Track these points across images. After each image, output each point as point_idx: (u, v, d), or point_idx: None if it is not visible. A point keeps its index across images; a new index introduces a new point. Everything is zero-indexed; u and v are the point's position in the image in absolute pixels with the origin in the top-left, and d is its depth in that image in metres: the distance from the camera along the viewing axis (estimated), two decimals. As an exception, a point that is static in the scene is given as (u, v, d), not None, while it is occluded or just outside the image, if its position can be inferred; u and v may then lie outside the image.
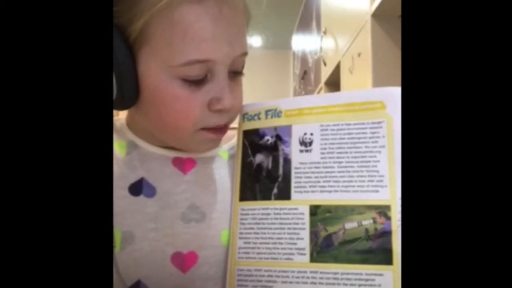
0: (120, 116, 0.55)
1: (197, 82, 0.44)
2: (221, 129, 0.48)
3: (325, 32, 1.88)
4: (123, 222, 0.46)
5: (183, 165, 0.50)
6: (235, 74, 0.47)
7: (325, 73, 1.90)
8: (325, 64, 1.91)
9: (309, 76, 2.45)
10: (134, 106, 0.47)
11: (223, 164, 0.52)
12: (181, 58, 0.42)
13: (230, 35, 0.44)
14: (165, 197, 0.48)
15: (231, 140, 0.54)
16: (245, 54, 0.46)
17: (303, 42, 2.72)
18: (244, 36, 0.46)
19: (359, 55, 1.30)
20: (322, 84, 1.99)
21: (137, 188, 0.48)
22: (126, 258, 0.45)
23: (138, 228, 0.46)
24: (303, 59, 2.70)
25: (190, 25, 0.42)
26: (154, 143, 0.51)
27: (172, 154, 0.51)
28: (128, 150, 0.50)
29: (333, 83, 1.84)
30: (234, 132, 0.54)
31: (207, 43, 0.42)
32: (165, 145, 0.51)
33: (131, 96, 0.45)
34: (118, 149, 0.50)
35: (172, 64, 0.42)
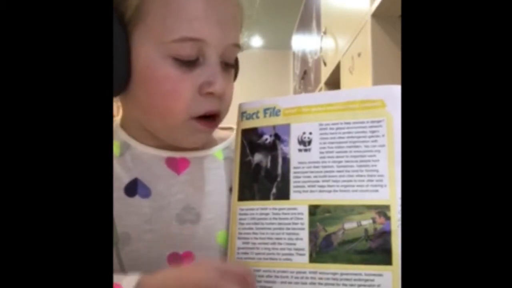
0: (115, 118, 0.55)
1: (188, 64, 0.45)
2: (211, 121, 0.48)
3: (325, 32, 1.88)
4: (119, 224, 0.46)
5: (176, 165, 0.50)
6: (227, 66, 0.48)
7: (325, 73, 1.90)
8: (325, 64, 1.91)
9: (309, 76, 2.45)
10: (124, 93, 0.47)
11: (217, 164, 0.52)
12: (173, 35, 0.43)
13: (222, 19, 0.45)
14: (160, 198, 0.48)
15: (226, 140, 0.54)
16: (237, 45, 0.48)
17: (303, 42, 2.71)
18: (236, 27, 0.48)
19: (359, 55, 1.30)
20: (322, 84, 1.99)
21: (132, 189, 0.48)
22: (115, 260, 0.45)
23: (134, 229, 0.46)
24: (303, 59, 2.70)
25: (184, 3, 0.43)
26: (147, 143, 0.50)
27: (165, 154, 0.50)
28: (122, 151, 0.50)
29: (333, 83, 1.84)
30: (229, 133, 0.54)
31: (200, 22, 0.44)
32: (158, 145, 0.50)
33: (122, 78, 0.45)
34: (113, 150, 0.50)
35: (165, 41, 0.44)
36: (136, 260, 0.46)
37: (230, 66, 0.48)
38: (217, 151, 0.53)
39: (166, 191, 0.49)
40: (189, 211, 0.48)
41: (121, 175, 0.48)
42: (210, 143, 0.53)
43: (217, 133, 0.55)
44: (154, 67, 0.44)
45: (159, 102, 0.45)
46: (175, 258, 0.46)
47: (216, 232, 0.48)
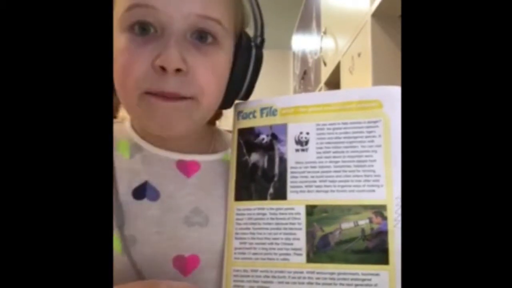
0: (125, 119, 0.54)
1: (144, 37, 0.42)
2: (169, 96, 0.43)
3: (325, 32, 1.88)
4: (126, 227, 0.45)
5: (186, 168, 0.50)
6: (205, 43, 0.44)
7: (325, 73, 1.90)
8: (325, 64, 1.91)
9: (309, 76, 2.45)
10: None
11: (227, 168, 0.51)
12: (124, 5, 0.42)
13: None
14: (169, 200, 0.48)
15: None
16: (208, 17, 0.43)
17: (303, 42, 2.71)
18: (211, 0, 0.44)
19: (359, 55, 1.30)
20: (322, 84, 1.98)
21: (141, 192, 0.47)
22: (127, 261, 0.45)
23: (141, 232, 0.46)
24: (303, 59, 2.69)
25: None
26: (158, 145, 0.50)
27: (176, 156, 0.50)
28: (132, 153, 0.50)
29: (333, 83, 1.84)
30: None
31: None
32: (169, 148, 0.50)
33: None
34: (123, 151, 0.50)
35: (119, 15, 0.43)
36: (141, 261, 0.45)
37: (209, 44, 0.44)
38: (227, 155, 0.52)
39: (175, 193, 0.48)
40: (198, 214, 0.48)
41: (130, 178, 0.48)
42: (220, 147, 0.53)
43: (227, 137, 0.54)
44: (114, 45, 0.43)
45: (116, 79, 0.44)
46: (180, 261, 0.46)
47: (223, 236, 0.47)
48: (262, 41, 0.50)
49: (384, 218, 0.41)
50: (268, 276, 0.44)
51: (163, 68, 0.42)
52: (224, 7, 0.45)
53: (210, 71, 0.44)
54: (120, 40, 0.43)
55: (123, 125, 0.52)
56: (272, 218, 0.45)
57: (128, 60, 0.43)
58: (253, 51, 0.49)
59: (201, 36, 0.44)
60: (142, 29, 0.43)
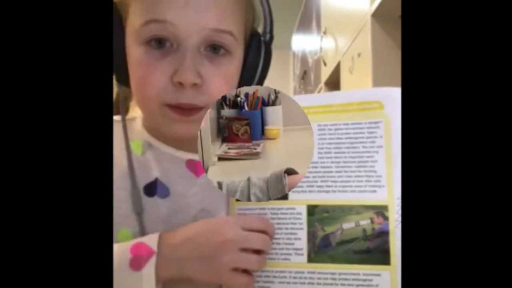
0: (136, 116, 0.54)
1: (161, 50, 0.45)
2: (187, 110, 0.46)
3: (325, 32, 1.88)
4: (135, 223, 0.46)
5: (196, 167, 0.50)
6: (218, 54, 0.46)
7: (325, 73, 1.90)
8: (325, 64, 1.91)
9: (309, 76, 2.45)
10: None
11: None
12: (140, 19, 0.44)
13: (194, 2, 0.44)
14: (178, 199, 0.48)
15: None
16: (221, 30, 0.45)
17: (303, 42, 2.71)
18: (218, 11, 0.45)
19: (359, 55, 1.30)
20: (322, 84, 1.98)
21: (152, 188, 0.48)
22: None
23: (149, 229, 0.46)
24: (303, 59, 2.69)
25: None
26: (168, 144, 0.50)
27: (186, 156, 0.50)
28: (144, 150, 0.50)
29: (333, 83, 1.84)
30: None
31: (164, 3, 0.44)
32: (179, 146, 0.50)
33: (121, 73, 0.47)
34: (135, 148, 0.50)
35: (136, 28, 0.45)
36: None
37: (222, 55, 0.46)
38: None
39: (184, 192, 0.49)
40: (206, 214, 0.48)
41: (141, 175, 0.48)
42: None
43: None
44: (131, 55, 0.46)
45: (136, 90, 0.47)
46: None
47: None
48: (271, 37, 0.52)
49: (386, 218, 0.42)
50: (269, 276, 0.44)
51: (180, 83, 0.44)
52: (236, 18, 0.47)
53: (222, 81, 0.47)
54: (137, 52, 0.45)
55: (134, 123, 0.53)
56: (273, 218, 0.45)
57: (146, 72, 0.45)
58: (263, 49, 0.51)
59: (214, 48, 0.46)
60: (158, 43, 0.45)
